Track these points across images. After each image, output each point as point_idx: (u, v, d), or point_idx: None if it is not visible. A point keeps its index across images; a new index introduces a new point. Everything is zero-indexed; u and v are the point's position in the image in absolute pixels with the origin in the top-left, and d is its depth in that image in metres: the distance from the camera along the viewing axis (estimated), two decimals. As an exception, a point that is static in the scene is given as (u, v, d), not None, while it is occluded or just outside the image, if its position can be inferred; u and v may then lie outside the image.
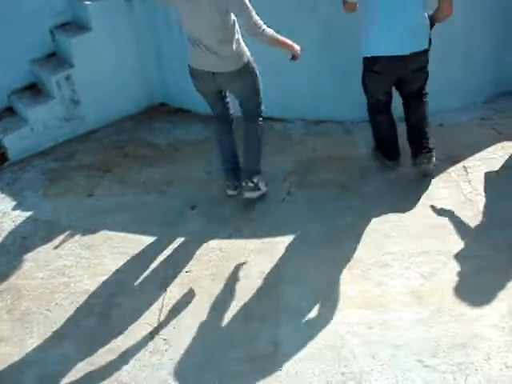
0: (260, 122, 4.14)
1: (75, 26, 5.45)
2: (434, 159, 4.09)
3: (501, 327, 3.08)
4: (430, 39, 3.94)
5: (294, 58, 3.82)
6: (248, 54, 3.83)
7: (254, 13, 3.52)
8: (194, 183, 4.49)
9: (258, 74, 3.97)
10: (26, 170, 4.99)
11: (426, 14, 3.89)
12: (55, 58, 5.49)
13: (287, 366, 3.02)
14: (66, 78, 5.24)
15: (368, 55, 3.98)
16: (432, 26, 3.93)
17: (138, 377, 3.05)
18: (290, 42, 3.77)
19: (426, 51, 3.93)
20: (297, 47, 3.78)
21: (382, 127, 4.36)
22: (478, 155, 4.51)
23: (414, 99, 4.21)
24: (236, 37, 3.69)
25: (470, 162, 4.44)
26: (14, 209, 4.49)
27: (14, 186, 4.78)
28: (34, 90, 5.46)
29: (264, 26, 3.56)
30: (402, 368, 2.94)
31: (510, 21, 5.07)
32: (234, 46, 3.68)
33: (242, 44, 3.76)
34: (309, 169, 4.57)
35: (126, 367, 3.10)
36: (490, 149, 4.58)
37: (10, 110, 5.45)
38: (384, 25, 3.81)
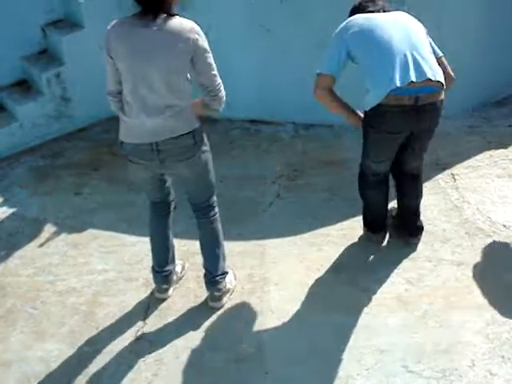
0: (215, 214, 3.34)
1: (67, 23, 5.43)
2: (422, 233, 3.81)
3: (485, 334, 3.10)
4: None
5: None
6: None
7: (217, 73, 2.91)
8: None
9: (210, 151, 3.14)
10: (14, 166, 4.97)
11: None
12: (46, 55, 5.47)
13: (272, 369, 3.01)
14: (57, 75, 5.22)
15: (374, 103, 3.21)
16: None
17: (122, 377, 3.03)
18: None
19: (443, 92, 3.25)
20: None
21: (375, 203, 3.74)
22: (465, 163, 4.55)
23: (414, 175, 3.66)
24: (190, 95, 2.95)
25: (457, 169, 4.47)
26: (1, 205, 4.46)
27: (1, 183, 4.75)
28: (24, 87, 5.43)
29: (224, 93, 2.96)
30: (386, 373, 2.95)
31: (499, 30, 5.12)
32: (188, 104, 2.93)
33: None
34: (298, 172, 4.58)
35: (110, 367, 3.08)
36: (477, 157, 4.61)
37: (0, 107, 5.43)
38: (387, 64, 3.16)
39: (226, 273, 3.41)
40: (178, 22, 2.77)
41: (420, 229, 3.78)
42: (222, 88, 2.94)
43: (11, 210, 4.39)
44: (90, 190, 4.57)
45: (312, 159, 4.74)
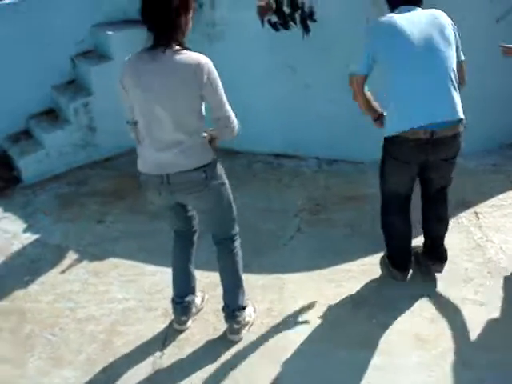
0: (236, 247, 3.32)
1: (96, 54, 5.55)
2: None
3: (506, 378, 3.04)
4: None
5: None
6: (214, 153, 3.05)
7: (228, 105, 2.89)
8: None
9: (227, 182, 3.14)
10: (39, 193, 5.04)
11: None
12: (74, 85, 5.59)
13: (289, 404, 2.98)
14: (85, 105, 5.32)
15: (391, 134, 3.32)
16: None
17: (137, 407, 3.02)
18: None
19: (459, 132, 3.28)
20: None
21: (396, 230, 3.72)
22: (489, 201, 4.51)
23: (438, 197, 3.66)
24: (203, 130, 2.95)
25: (481, 207, 4.44)
26: (25, 231, 4.51)
27: (26, 209, 4.82)
28: (52, 116, 5.56)
29: (236, 124, 2.93)
30: (404, 413, 2.90)
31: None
32: (199, 139, 2.93)
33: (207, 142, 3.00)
34: (320, 207, 4.58)
35: (126, 397, 3.08)
36: (501, 196, 4.58)
37: (27, 134, 5.54)
38: (411, 94, 3.21)
39: (245, 307, 3.40)
40: (186, 57, 2.74)
41: (443, 258, 3.73)
42: (232, 118, 2.91)
43: (34, 237, 4.44)
44: (112, 219, 4.61)
45: (334, 194, 4.74)
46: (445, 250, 3.76)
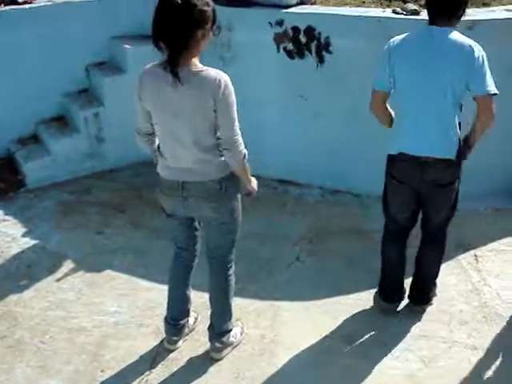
0: (230, 275, 3.33)
1: (111, 66, 5.58)
2: (428, 307, 3.82)
3: (495, 425, 3.02)
4: (459, 156, 3.31)
5: (249, 194, 3.19)
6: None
7: (238, 128, 2.84)
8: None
9: (240, 203, 3.16)
10: (41, 199, 5.05)
11: (459, 126, 3.28)
12: (87, 95, 5.62)
13: (273, 434, 2.96)
14: (95, 115, 5.35)
15: (389, 152, 3.44)
16: (469, 147, 3.35)
17: (121, 423, 3.00)
18: (250, 177, 3.13)
19: (450, 163, 3.29)
20: (254, 185, 3.20)
21: (387, 257, 3.73)
22: (490, 246, 4.49)
23: (433, 237, 3.67)
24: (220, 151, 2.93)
25: (481, 251, 4.42)
26: (24, 236, 4.52)
27: (27, 213, 4.82)
28: (61, 122, 5.59)
29: (243, 149, 2.88)
30: None
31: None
32: (217, 155, 2.91)
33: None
34: (320, 237, 4.57)
35: (110, 412, 3.06)
36: (503, 241, 4.55)
37: (36, 138, 5.56)
38: (406, 121, 3.32)
39: (230, 330, 3.40)
40: (204, 75, 2.71)
41: (425, 301, 3.80)
42: (239, 143, 2.84)
43: (33, 242, 4.44)
44: (112, 231, 4.61)
45: (335, 225, 4.73)
46: (426, 294, 3.79)
